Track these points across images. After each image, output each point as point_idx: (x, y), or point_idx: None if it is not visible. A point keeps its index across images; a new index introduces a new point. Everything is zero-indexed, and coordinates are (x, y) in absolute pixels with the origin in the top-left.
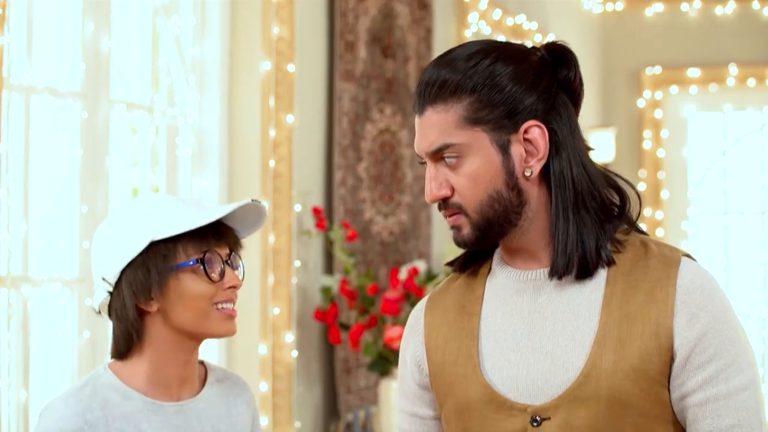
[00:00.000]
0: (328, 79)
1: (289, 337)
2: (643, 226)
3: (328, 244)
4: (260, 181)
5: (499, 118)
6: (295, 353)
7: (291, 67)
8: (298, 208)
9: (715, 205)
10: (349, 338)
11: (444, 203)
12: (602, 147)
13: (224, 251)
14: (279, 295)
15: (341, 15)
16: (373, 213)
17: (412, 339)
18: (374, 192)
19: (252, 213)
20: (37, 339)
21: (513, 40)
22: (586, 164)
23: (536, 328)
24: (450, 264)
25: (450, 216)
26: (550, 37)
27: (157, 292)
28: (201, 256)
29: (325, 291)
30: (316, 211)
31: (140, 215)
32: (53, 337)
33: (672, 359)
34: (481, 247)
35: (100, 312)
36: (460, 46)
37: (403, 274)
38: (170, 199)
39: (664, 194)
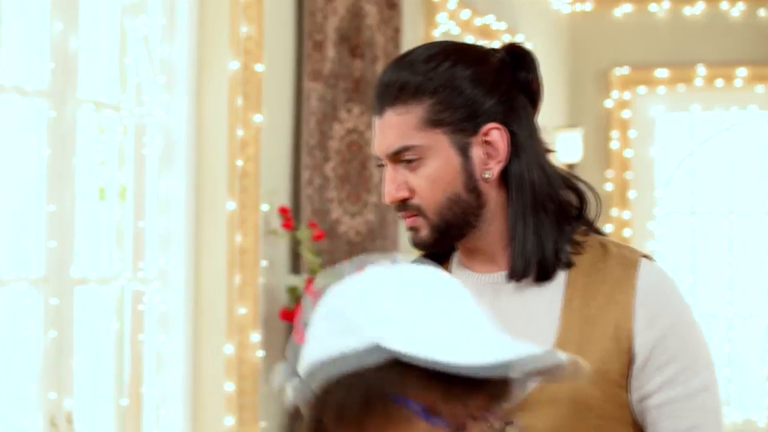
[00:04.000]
0: (296, 79)
1: (255, 337)
2: (609, 227)
3: (294, 244)
4: (227, 181)
5: (459, 120)
6: (261, 353)
7: (259, 67)
8: (265, 207)
9: (682, 205)
10: None
11: (402, 205)
12: (570, 147)
13: None
14: (245, 295)
15: (310, 15)
16: (340, 213)
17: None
18: (341, 192)
19: None
20: (1, 339)
21: (482, 41)
22: (545, 166)
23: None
24: None
25: (408, 218)
26: (519, 38)
27: None
28: None
29: (292, 291)
30: (283, 210)
31: None
32: (19, 337)
33: (632, 361)
34: (439, 249)
35: None
36: (419, 48)
37: None
38: None
39: (632, 194)
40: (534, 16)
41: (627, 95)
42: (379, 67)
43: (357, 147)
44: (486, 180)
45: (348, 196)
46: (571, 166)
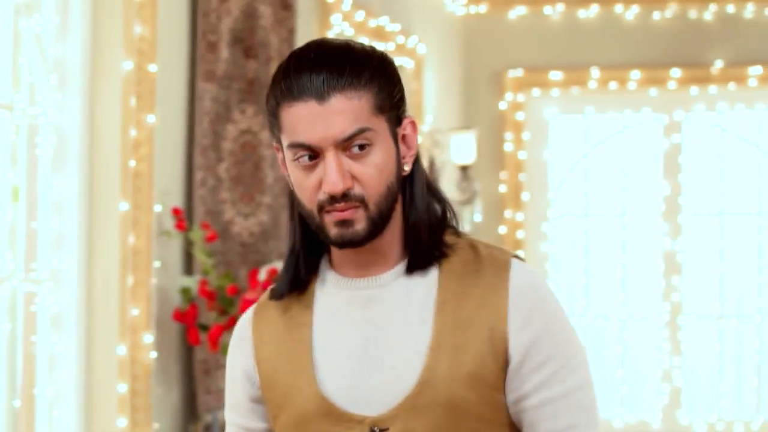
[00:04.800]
0: (189, 80)
1: (148, 338)
2: (503, 228)
3: (187, 245)
4: (120, 181)
5: (394, 109)
6: (153, 354)
7: (152, 67)
8: (158, 208)
9: (575, 208)
10: (208, 339)
11: (344, 196)
12: (464, 149)
13: None
14: (138, 296)
15: (203, 15)
16: (234, 214)
17: (240, 352)
18: (235, 193)
19: None
20: None
21: (376, 42)
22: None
23: (370, 337)
24: (274, 293)
25: (346, 210)
26: (413, 40)
27: None
28: None
29: (185, 292)
30: (176, 211)
31: None
32: None
33: (507, 363)
34: (363, 245)
35: None
36: (338, 40)
37: (263, 274)
38: None
39: (525, 196)
40: (428, 18)
41: (521, 97)
42: (273, 67)
43: (251, 148)
44: (403, 173)
45: (241, 197)
46: (464, 168)
